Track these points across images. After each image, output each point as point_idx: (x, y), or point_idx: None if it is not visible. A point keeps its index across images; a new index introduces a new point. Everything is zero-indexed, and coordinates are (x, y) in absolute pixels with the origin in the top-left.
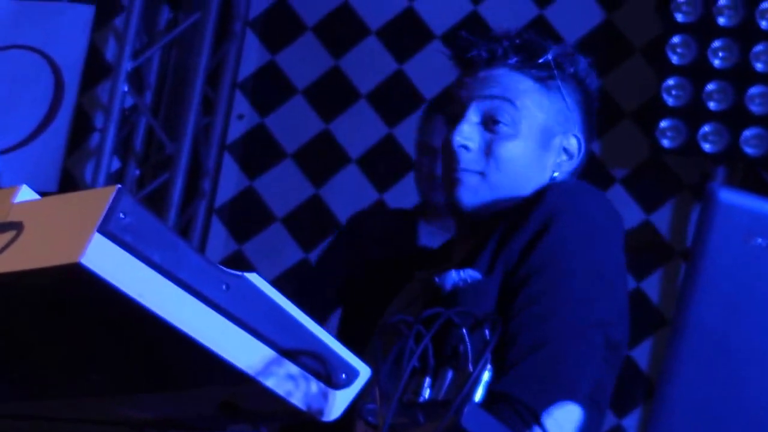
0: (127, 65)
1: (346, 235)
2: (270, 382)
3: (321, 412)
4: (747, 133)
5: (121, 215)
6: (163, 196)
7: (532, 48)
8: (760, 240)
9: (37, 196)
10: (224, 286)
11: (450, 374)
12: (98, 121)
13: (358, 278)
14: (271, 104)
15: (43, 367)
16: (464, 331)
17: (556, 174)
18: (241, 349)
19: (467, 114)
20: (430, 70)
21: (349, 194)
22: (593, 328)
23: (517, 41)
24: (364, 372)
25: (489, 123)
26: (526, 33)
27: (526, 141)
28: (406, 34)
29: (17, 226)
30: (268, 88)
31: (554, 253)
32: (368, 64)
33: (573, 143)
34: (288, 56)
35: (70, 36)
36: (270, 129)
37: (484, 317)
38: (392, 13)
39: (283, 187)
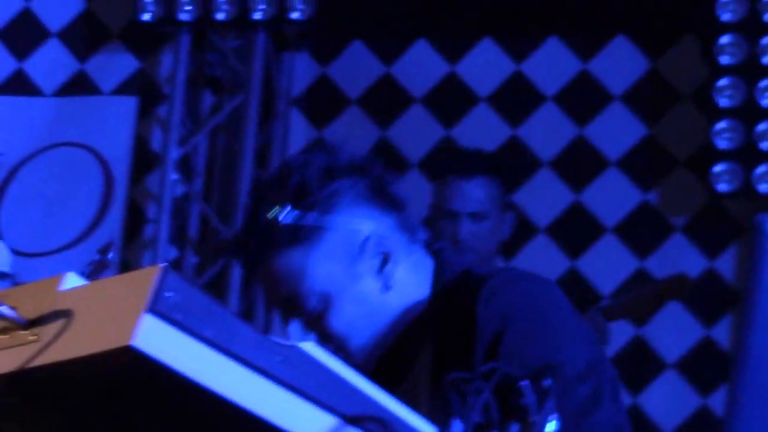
0: (174, 153)
1: None
2: None
3: None
4: None
5: (169, 294)
6: (223, 280)
7: (264, 221)
8: None
9: (84, 281)
10: (280, 357)
11: (515, 428)
12: (151, 211)
13: None
14: None
15: None
16: (523, 384)
17: (389, 281)
18: (304, 420)
19: (289, 324)
20: (479, 133)
21: None
22: (587, 410)
23: (252, 227)
24: None
25: (301, 316)
26: (256, 200)
27: (339, 299)
28: (450, 99)
29: (67, 314)
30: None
31: (514, 364)
32: (415, 132)
33: (378, 246)
34: (335, 131)
35: (115, 129)
36: None
37: (540, 368)
38: (435, 79)
39: None
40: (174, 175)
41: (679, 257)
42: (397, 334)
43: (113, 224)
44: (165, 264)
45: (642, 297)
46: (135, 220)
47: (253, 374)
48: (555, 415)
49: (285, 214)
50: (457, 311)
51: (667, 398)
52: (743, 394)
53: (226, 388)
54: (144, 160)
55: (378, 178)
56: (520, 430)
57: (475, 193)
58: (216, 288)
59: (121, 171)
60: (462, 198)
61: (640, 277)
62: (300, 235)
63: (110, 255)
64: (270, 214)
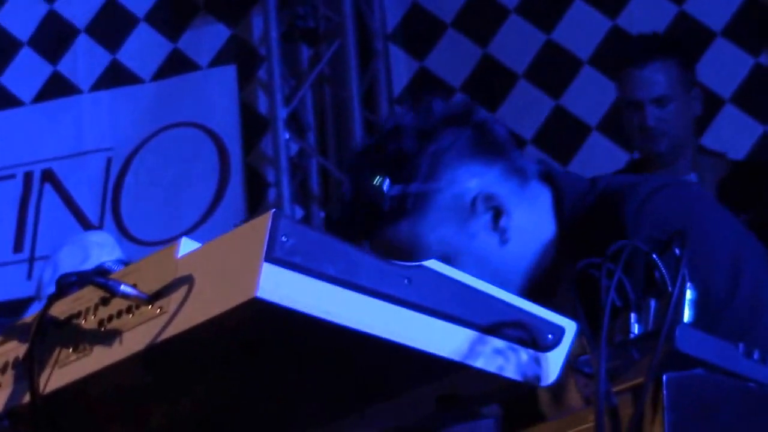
0: (282, 113)
1: None
2: (480, 363)
3: (538, 379)
4: None
5: (284, 239)
6: None
7: (371, 195)
8: None
9: (198, 245)
10: (406, 281)
11: (653, 303)
12: (270, 175)
13: None
14: None
15: (257, 414)
16: (654, 256)
17: (506, 234)
18: (442, 338)
19: None
20: (582, 32)
21: None
22: (754, 313)
23: (360, 205)
24: (570, 327)
25: None
26: (361, 176)
27: (457, 261)
28: (544, 4)
29: (188, 280)
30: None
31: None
32: (516, 43)
33: (488, 202)
34: (436, 58)
35: (219, 101)
36: None
37: (669, 237)
38: None
39: None
40: (286, 135)
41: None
42: (534, 279)
43: (235, 196)
44: (274, 210)
45: None
46: (256, 187)
47: (382, 302)
48: (691, 284)
49: (387, 188)
50: (601, 227)
51: None
52: None
53: (358, 321)
54: (254, 126)
55: (477, 125)
56: (658, 305)
57: (654, 77)
58: None
59: (233, 141)
60: (642, 86)
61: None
62: (406, 207)
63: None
64: (371, 189)
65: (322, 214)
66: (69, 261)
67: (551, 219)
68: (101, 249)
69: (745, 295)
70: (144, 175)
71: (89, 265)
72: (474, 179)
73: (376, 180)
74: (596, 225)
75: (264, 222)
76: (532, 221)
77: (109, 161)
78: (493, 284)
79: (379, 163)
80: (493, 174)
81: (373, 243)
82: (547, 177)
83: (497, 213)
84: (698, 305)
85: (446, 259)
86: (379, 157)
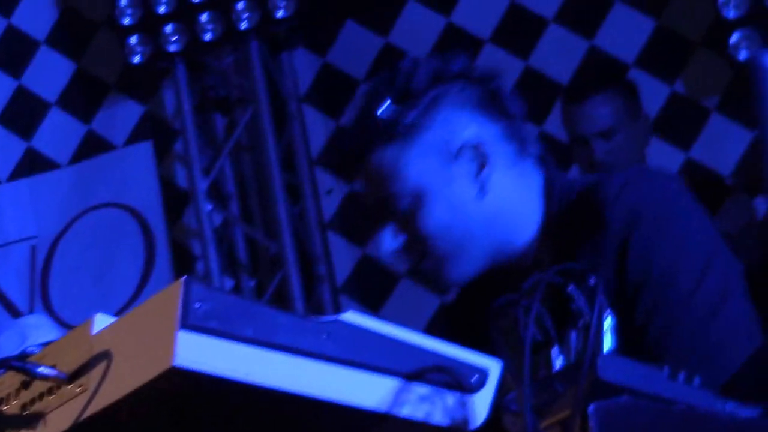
0: (203, 184)
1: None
2: (406, 411)
3: (466, 421)
4: None
5: (198, 304)
6: (285, 293)
7: (369, 116)
8: None
9: (112, 319)
10: (325, 335)
11: (573, 334)
12: (196, 248)
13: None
14: (354, 169)
15: None
16: (570, 287)
17: (485, 187)
18: (365, 390)
19: (379, 227)
20: None
21: None
22: (717, 303)
23: (357, 124)
24: (494, 366)
25: (394, 218)
26: (366, 98)
27: (431, 198)
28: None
29: (106, 355)
30: (345, 154)
31: (646, 263)
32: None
33: (475, 151)
34: (352, 115)
35: (138, 178)
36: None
37: (582, 268)
38: (435, 34)
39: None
40: (208, 206)
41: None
42: (506, 252)
43: (163, 272)
44: (185, 277)
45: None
46: (183, 261)
47: (302, 359)
48: (609, 311)
49: (385, 110)
50: (581, 218)
51: None
52: None
53: (279, 380)
54: (175, 200)
55: (491, 87)
56: (579, 336)
57: (596, 111)
58: (281, 302)
59: (156, 217)
60: (585, 120)
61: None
62: (397, 132)
63: None
64: (371, 108)
65: (252, 283)
66: (7, 346)
67: (538, 201)
68: (38, 331)
69: (711, 287)
70: (70, 260)
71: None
72: (469, 128)
73: (380, 100)
74: (576, 217)
75: (176, 290)
76: (516, 191)
77: (33, 249)
78: (458, 233)
79: (388, 89)
80: (491, 130)
81: (362, 171)
82: (545, 164)
83: (481, 165)
84: (663, 292)
85: (420, 197)
86: (390, 85)
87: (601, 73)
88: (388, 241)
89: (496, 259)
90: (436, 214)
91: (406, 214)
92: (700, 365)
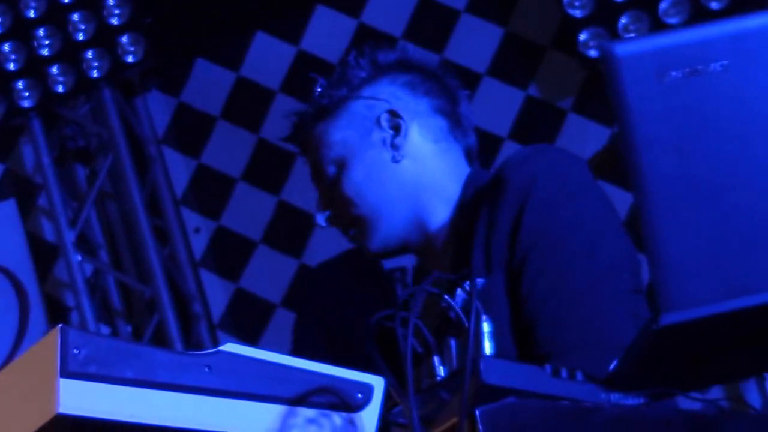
0: (70, 236)
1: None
2: None
3: None
4: None
5: (76, 351)
6: (163, 335)
7: (310, 99)
8: (673, 73)
9: None
10: (206, 369)
11: (453, 342)
12: (69, 299)
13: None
14: (219, 205)
15: None
16: (446, 296)
17: (399, 153)
18: (251, 419)
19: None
20: None
21: (331, 252)
22: (607, 275)
23: (303, 112)
24: (377, 382)
25: (324, 183)
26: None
27: (351, 163)
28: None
29: None
30: (209, 191)
31: (539, 225)
32: (285, 124)
33: (393, 119)
34: (212, 152)
35: (4, 236)
36: (230, 227)
37: (457, 276)
38: (287, 63)
39: (269, 273)
40: (78, 257)
41: (582, 137)
42: (425, 226)
43: (39, 326)
44: (61, 325)
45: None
46: (58, 313)
47: (185, 395)
48: (486, 316)
49: (320, 93)
50: (486, 190)
51: None
52: (654, 206)
53: (164, 417)
54: (44, 254)
55: (430, 73)
56: (458, 343)
57: None
58: (160, 344)
59: (26, 274)
60: None
61: None
62: (327, 108)
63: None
64: (312, 94)
65: (129, 328)
66: None
67: (458, 188)
68: None
69: (601, 260)
70: None
71: None
72: (392, 98)
73: (316, 85)
74: (482, 192)
75: (54, 338)
76: (437, 165)
77: None
78: (375, 196)
79: (329, 76)
80: (418, 103)
81: (304, 148)
82: (475, 158)
83: (397, 131)
84: (550, 258)
85: (342, 163)
86: (332, 73)
87: None
88: (321, 210)
89: (412, 235)
90: (354, 177)
91: (333, 180)
92: (575, 334)
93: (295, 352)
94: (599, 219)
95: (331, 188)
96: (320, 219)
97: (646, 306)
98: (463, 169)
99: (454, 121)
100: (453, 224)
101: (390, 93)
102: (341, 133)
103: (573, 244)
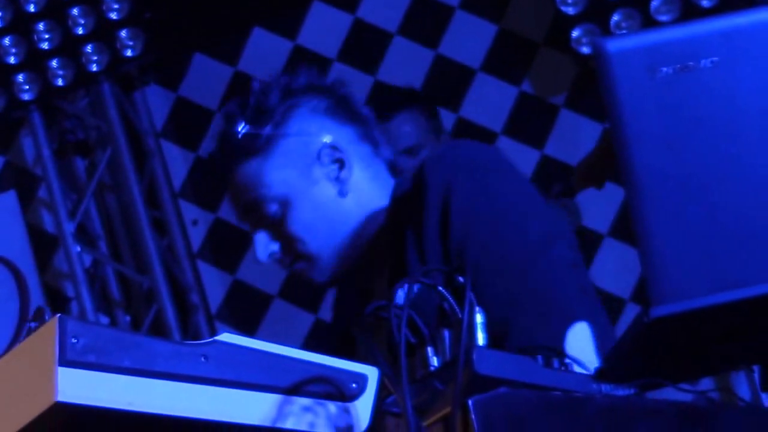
0: (69, 227)
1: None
2: (290, 424)
3: (350, 428)
4: None
5: (74, 340)
6: (161, 325)
7: (230, 135)
8: (664, 69)
9: None
10: (202, 358)
11: (446, 333)
12: (69, 290)
13: None
14: (216, 197)
15: None
16: (440, 288)
17: (345, 186)
18: (247, 408)
19: (253, 235)
20: None
21: None
22: (543, 247)
23: (218, 144)
24: (372, 372)
25: (265, 225)
26: (224, 121)
27: (297, 202)
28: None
29: None
30: (207, 184)
31: (467, 219)
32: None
33: (332, 153)
34: (210, 145)
35: (5, 228)
36: (227, 219)
37: (450, 268)
38: (282, 59)
39: (266, 264)
40: (77, 248)
41: (575, 132)
42: (362, 245)
43: None
44: (59, 315)
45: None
46: (58, 303)
47: (182, 384)
48: (479, 308)
49: (242, 128)
50: (410, 196)
51: None
52: (646, 201)
53: (161, 406)
54: (44, 245)
55: (339, 95)
56: (452, 334)
57: (400, 130)
58: (159, 334)
59: (27, 264)
60: (391, 139)
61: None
62: (256, 146)
63: (47, 317)
64: (229, 129)
65: (127, 318)
66: None
67: (387, 193)
68: None
69: (532, 238)
70: None
71: None
72: (324, 132)
73: (235, 122)
74: (406, 196)
75: (52, 328)
76: (372, 188)
77: None
78: (324, 232)
79: (243, 109)
80: (345, 132)
81: (229, 185)
82: (395, 169)
83: (341, 166)
84: (489, 244)
85: (286, 202)
86: (244, 105)
87: (403, 94)
88: (263, 247)
89: (355, 260)
90: (302, 216)
91: (276, 220)
92: (527, 309)
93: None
94: (522, 198)
95: (272, 226)
96: (262, 256)
97: (588, 278)
98: (388, 183)
99: (373, 143)
100: (386, 238)
101: (318, 125)
102: (279, 173)
103: (503, 226)
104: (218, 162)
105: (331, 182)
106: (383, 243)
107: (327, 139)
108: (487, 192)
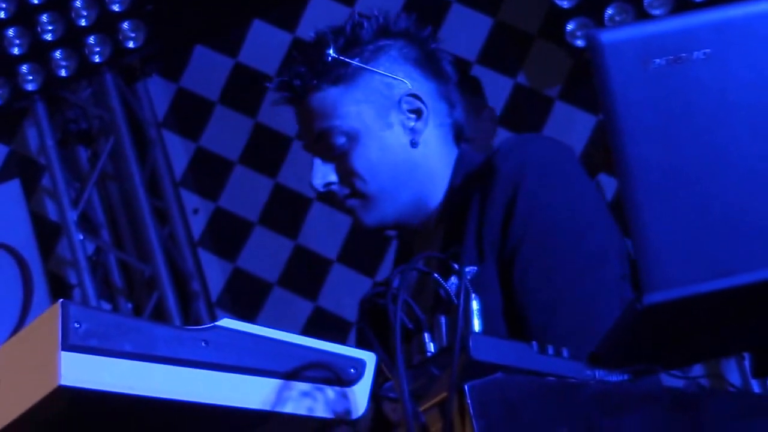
0: (72, 215)
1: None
2: (289, 408)
3: (348, 413)
4: None
5: (77, 325)
6: (163, 312)
7: (316, 57)
8: (657, 60)
9: None
10: (203, 343)
11: (443, 319)
12: (72, 277)
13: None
14: (217, 186)
15: None
16: (436, 275)
17: (417, 138)
18: (247, 392)
19: (313, 159)
20: None
21: (325, 234)
22: (595, 263)
23: (301, 63)
24: (369, 358)
25: (329, 153)
26: (312, 43)
27: (367, 139)
28: None
29: None
30: (207, 173)
31: (530, 216)
32: (285, 111)
33: (413, 102)
34: (211, 135)
35: (9, 216)
36: (227, 208)
37: (447, 254)
38: (283, 50)
39: (266, 253)
40: (80, 236)
41: (569, 124)
42: (418, 203)
43: (42, 303)
44: (62, 300)
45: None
46: (61, 291)
47: (182, 368)
48: (475, 295)
49: (332, 54)
50: (477, 176)
51: None
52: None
53: (162, 390)
54: (47, 233)
55: (431, 50)
56: (448, 320)
57: None
58: (160, 321)
59: (30, 252)
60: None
61: None
62: (341, 74)
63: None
64: (318, 50)
65: (129, 305)
66: None
67: (449, 170)
68: None
69: (591, 248)
70: None
71: None
72: (409, 79)
73: (326, 45)
74: (472, 181)
75: (55, 313)
76: (440, 151)
77: None
78: (385, 176)
79: (336, 37)
80: (428, 86)
81: (301, 108)
82: (463, 137)
83: (418, 116)
84: (541, 245)
85: (356, 137)
86: (339, 33)
87: None
88: (321, 174)
89: (409, 216)
90: (368, 154)
91: (341, 151)
92: (566, 322)
93: None
94: (587, 207)
95: (337, 158)
96: (318, 182)
97: (633, 291)
98: (453, 150)
99: (450, 103)
100: (444, 208)
101: (405, 72)
102: (356, 107)
103: (562, 233)
104: (298, 81)
105: (405, 130)
106: (442, 211)
107: (410, 87)
108: (552, 196)
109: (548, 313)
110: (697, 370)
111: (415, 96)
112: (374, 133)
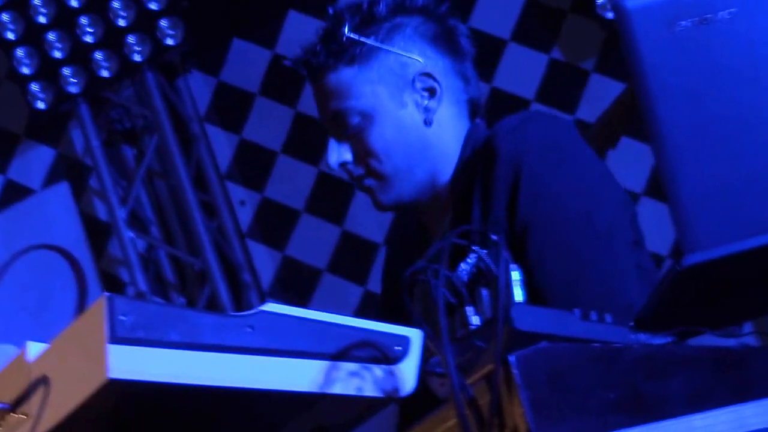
0: (121, 214)
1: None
2: (338, 389)
3: (396, 390)
4: None
5: (123, 317)
6: (216, 305)
7: (332, 36)
8: (683, 23)
9: (43, 345)
10: (248, 329)
11: (484, 292)
12: (124, 275)
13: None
14: (261, 177)
15: None
16: (475, 248)
17: (431, 116)
18: (295, 375)
19: (329, 139)
20: None
21: (370, 218)
22: (607, 236)
23: (317, 42)
24: (415, 335)
25: (344, 132)
26: (329, 20)
27: (381, 119)
28: None
29: (43, 380)
30: (252, 165)
31: (536, 195)
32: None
33: (427, 80)
34: (253, 127)
35: (60, 217)
36: (273, 198)
37: (484, 228)
38: None
39: (314, 240)
40: (130, 234)
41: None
42: (432, 181)
43: None
44: (107, 294)
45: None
46: (114, 289)
47: (230, 355)
48: (515, 265)
49: (346, 33)
50: (480, 154)
51: None
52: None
53: (210, 377)
54: (98, 233)
55: (449, 26)
56: (490, 292)
57: None
58: None
59: (82, 252)
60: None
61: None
62: (355, 53)
63: None
64: (333, 30)
65: (183, 300)
66: None
67: (459, 145)
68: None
69: (601, 219)
70: (7, 303)
71: None
72: (424, 57)
73: (342, 23)
74: (477, 158)
75: (101, 307)
76: (453, 128)
77: None
78: (400, 155)
79: (352, 15)
80: (443, 63)
81: (317, 87)
82: (476, 111)
83: (431, 94)
84: (552, 223)
85: (370, 117)
86: (355, 11)
87: None
88: (336, 153)
89: (422, 195)
90: (383, 134)
91: (356, 131)
92: (589, 298)
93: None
94: (592, 180)
95: (353, 137)
96: (333, 161)
97: (648, 255)
98: (465, 126)
99: (465, 80)
100: (453, 184)
101: (420, 50)
102: (370, 87)
103: (571, 211)
104: (317, 56)
105: (419, 109)
106: (450, 188)
107: (424, 65)
108: (558, 173)
109: (567, 293)
110: (747, 328)
111: (429, 74)
112: (388, 113)
